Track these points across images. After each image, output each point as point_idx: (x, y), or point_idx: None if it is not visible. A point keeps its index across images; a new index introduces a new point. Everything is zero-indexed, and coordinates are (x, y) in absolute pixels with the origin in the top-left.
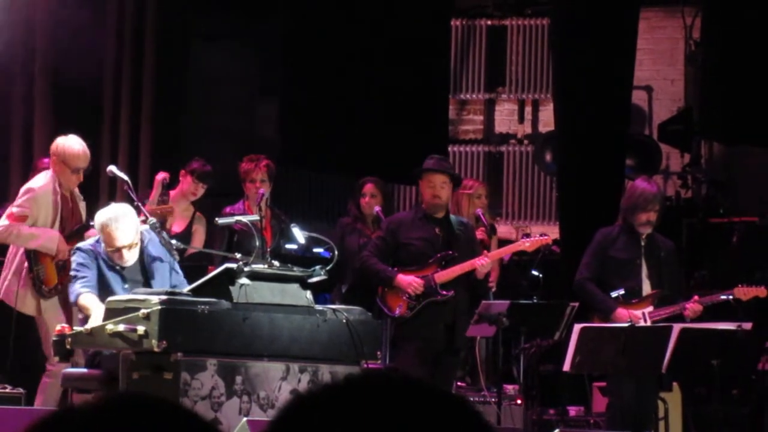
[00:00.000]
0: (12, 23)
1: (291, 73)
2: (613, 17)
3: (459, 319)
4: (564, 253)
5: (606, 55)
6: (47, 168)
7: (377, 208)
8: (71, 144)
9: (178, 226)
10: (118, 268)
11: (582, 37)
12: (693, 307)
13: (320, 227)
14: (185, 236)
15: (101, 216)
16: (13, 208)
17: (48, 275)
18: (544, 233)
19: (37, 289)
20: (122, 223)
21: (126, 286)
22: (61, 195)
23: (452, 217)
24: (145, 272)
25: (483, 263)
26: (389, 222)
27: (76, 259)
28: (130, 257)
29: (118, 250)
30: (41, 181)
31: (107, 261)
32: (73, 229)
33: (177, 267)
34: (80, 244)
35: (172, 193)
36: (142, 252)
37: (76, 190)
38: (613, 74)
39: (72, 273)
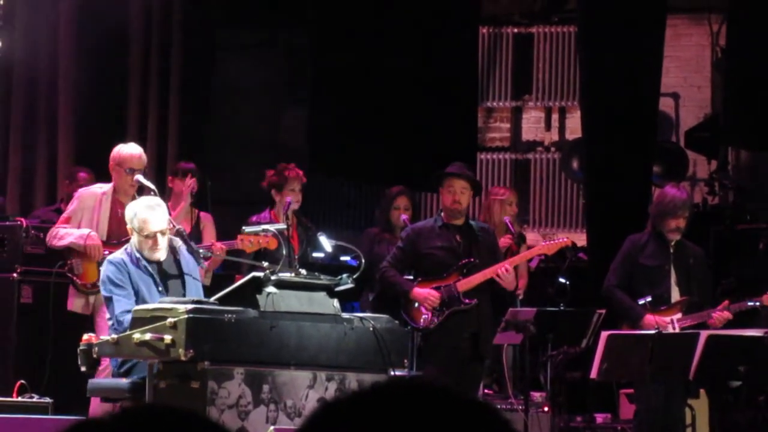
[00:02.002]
0: (37, 27)
1: (320, 82)
2: (639, 24)
3: (483, 326)
4: (591, 260)
5: (633, 62)
6: (86, 175)
7: (404, 217)
8: (129, 147)
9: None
10: (151, 270)
11: (609, 45)
12: (719, 315)
13: (347, 236)
14: (194, 238)
15: (133, 205)
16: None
17: (85, 270)
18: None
19: (72, 282)
20: (155, 209)
21: (160, 289)
22: (113, 200)
23: (472, 222)
24: (180, 269)
25: (503, 271)
26: (408, 232)
27: (106, 274)
28: (164, 247)
29: (153, 236)
30: (93, 185)
31: (140, 266)
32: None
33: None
34: (110, 256)
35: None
36: (178, 259)
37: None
38: (640, 81)
39: (105, 294)
